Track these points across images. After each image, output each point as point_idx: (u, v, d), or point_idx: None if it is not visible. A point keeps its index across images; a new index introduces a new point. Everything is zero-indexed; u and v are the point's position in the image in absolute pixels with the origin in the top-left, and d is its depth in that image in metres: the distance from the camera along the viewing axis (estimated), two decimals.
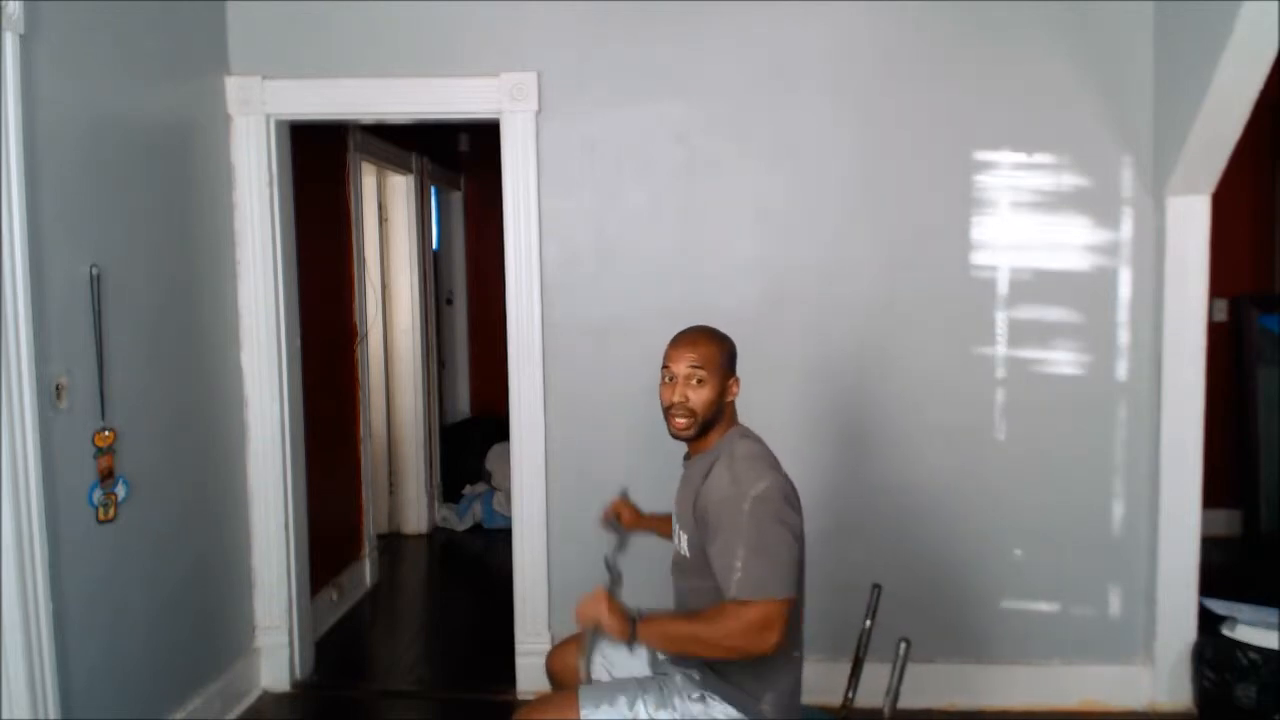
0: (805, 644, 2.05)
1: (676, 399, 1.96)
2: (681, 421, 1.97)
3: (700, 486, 1.94)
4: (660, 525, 2.31)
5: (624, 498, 2.40)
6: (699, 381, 1.95)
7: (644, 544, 2.37)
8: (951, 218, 3.08)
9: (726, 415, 2.02)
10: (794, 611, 1.99)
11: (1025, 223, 3.06)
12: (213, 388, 3.06)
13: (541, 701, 2.11)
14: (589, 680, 2.06)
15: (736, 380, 2.02)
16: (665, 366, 2.00)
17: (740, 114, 3.09)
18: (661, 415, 2.02)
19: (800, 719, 2.04)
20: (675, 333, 2.05)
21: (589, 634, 1.96)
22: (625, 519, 2.34)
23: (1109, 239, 3.06)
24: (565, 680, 2.25)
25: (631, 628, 1.85)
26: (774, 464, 1.96)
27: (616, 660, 2.20)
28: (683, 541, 2.03)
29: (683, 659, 2.01)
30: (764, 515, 1.83)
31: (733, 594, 1.81)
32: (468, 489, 5.48)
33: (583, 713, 1.93)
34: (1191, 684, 3.07)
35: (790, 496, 1.91)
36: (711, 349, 1.98)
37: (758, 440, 2.00)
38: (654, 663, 2.16)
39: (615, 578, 2.18)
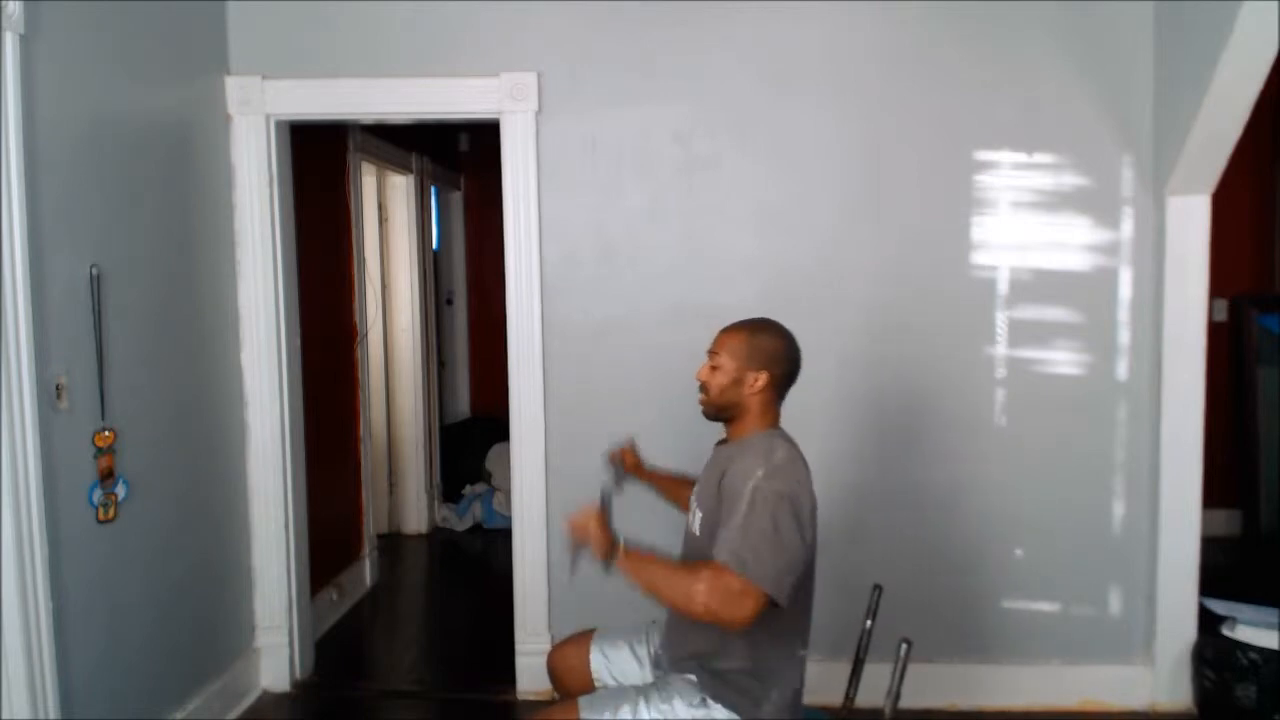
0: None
1: (699, 377, 2.08)
2: (700, 397, 2.09)
3: (729, 468, 1.95)
4: (659, 482, 2.38)
5: (632, 445, 2.40)
6: (714, 367, 2.05)
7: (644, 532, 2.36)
8: (952, 217, 3.08)
9: (755, 409, 2.03)
10: (800, 610, 1.99)
11: (1025, 222, 3.07)
12: (213, 388, 3.06)
13: (544, 712, 2.11)
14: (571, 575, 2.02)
15: (760, 375, 2.01)
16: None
17: (740, 113, 3.09)
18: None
19: (801, 719, 2.04)
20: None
21: (575, 547, 1.92)
22: (628, 463, 2.36)
23: (1109, 239, 3.07)
24: (566, 679, 2.26)
25: (615, 551, 1.85)
26: (807, 477, 1.97)
27: (618, 663, 2.20)
28: (696, 520, 2.04)
29: (675, 650, 2.02)
30: (784, 514, 1.84)
31: (723, 558, 1.81)
32: (468, 489, 5.48)
33: (584, 716, 1.93)
34: (1191, 684, 3.07)
35: (812, 511, 1.93)
36: (735, 339, 2.06)
37: (796, 448, 2.01)
38: (655, 667, 2.16)
39: (606, 503, 2.08)
